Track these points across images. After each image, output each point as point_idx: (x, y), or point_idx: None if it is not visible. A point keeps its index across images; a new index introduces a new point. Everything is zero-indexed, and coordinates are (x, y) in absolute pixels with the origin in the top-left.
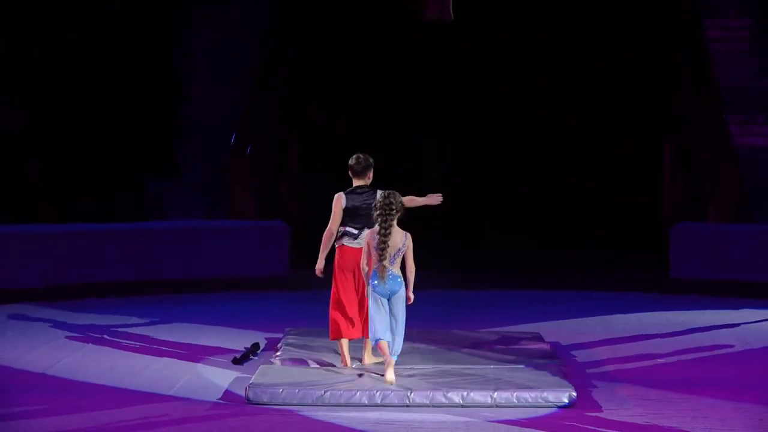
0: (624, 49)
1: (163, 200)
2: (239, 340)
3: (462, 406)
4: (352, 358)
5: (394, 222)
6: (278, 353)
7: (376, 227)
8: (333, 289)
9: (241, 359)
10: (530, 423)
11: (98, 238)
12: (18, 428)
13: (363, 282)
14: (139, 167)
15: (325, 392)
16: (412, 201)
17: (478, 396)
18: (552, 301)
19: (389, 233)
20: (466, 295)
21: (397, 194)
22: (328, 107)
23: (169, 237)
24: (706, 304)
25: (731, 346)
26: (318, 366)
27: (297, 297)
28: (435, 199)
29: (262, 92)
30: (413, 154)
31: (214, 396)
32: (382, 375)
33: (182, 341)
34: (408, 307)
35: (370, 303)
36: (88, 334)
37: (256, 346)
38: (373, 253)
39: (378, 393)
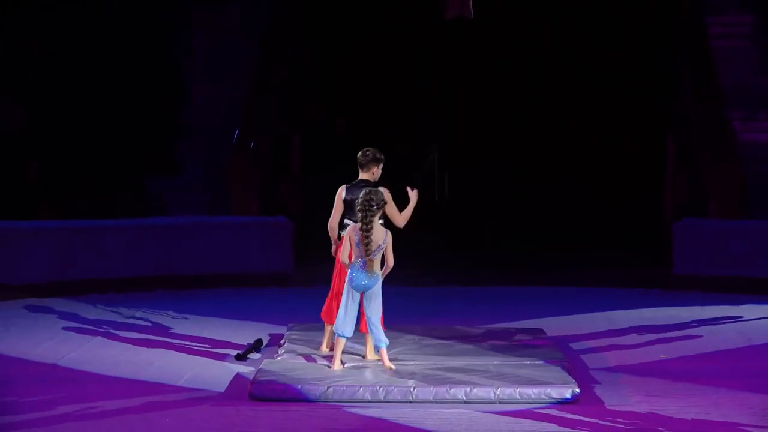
0: (625, 48)
1: (164, 199)
2: (242, 336)
3: (465, 402)
4: (357, 355)
5: (375, 219)
6: (281, 349)
7: (359, 223)
8: (333, 277)
9: (243, 355)
10: (534, 418)
11: (100, 233)
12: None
13: None
14: (139, 166)
15: (328, 388)
16: (405, 213)
17: (481, 392)
18: (555, 297)
19: (370, 229)
20: (469, 291)
21: (380, 192)
22: (329, 106)
23: (172, 233)
24: (709, 300)
25: (734, 342)
26: (321, 362)
27: (300, 293)
28: (413, 196)
29: (263, 91)
30: (415, 153)
31: (217, 391)
32: (387, 369)
33: (185, 337)
34: (410, 304)
35: (343, 296)
36: (92, 330)
37: (258, 342)
38: (355, 249)
39: (381, 389)
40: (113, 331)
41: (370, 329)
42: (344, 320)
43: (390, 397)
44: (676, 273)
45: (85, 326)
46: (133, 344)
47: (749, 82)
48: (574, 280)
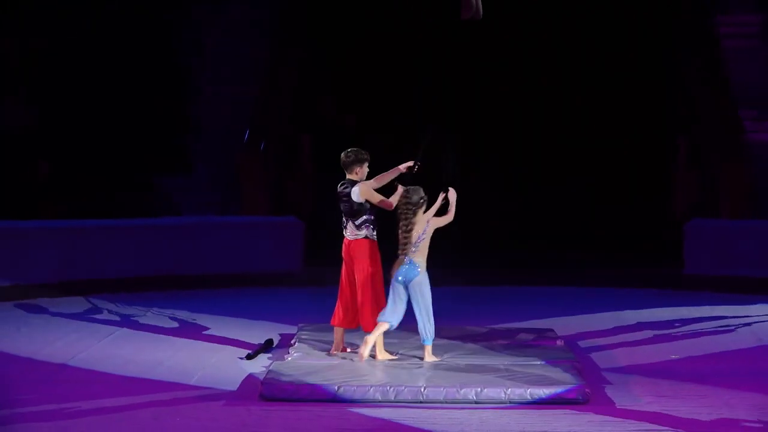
0: (637, 48)
1: (174, 199)
2: (252, 335)
3: (476, 402)
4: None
5: (415, 218)
6: (292, 349)
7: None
8: (342, 281)
9: (254, 355)
10: (544, 419)
11: (110, 233)
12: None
13: (355, 274)
14: (150, 166)
15: (338, 388)
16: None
17: (491, 392)
18: (565, 297)
19: (410, 230)
20: (480, 291)
21: (419, 189)
22: (339, 104)
23: (182, 233)
24: (719, 300)
25: (744, 342)
26: (331, 362)
27: (310, 293)
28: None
29: (273, 91)
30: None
31: (228, 392)
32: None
33: (196, 337)
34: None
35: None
36: (103, 329)
37: (269, 342)
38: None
39: (391, 389)
40: (124, 331)
41: (420, 321)
42: (392, 310)
43: (400, 398)
44: (687, 273)
45: (96, 326)
46: (144, 344)
47: (759, 82)
48: (584, 280)
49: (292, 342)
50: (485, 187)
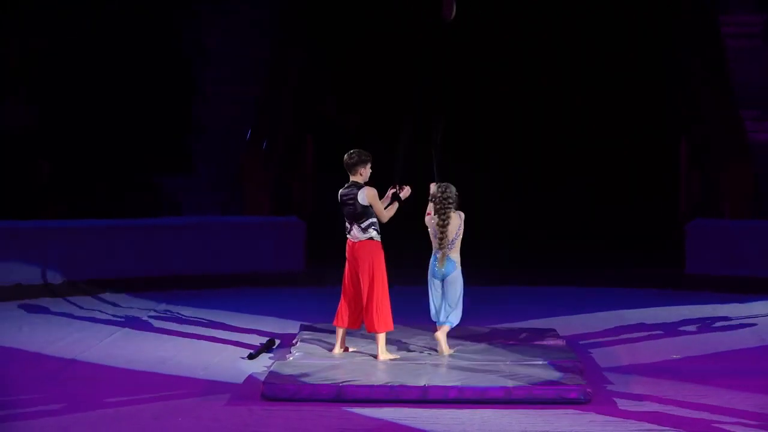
0: (638, 48)
1: (177, 199)
2: (254, 335)
3: (478, 402)
4: (370, 355)
5: (452, 212)
6: (293, 349)
7: (435, 217)
8: (344, 282)
9: (256, 355)
10: (546, 419)
11: (113, 233)
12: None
13: (359, 275)
14: (152, 166)
15: (340, 388)
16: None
17: (493, 392)
18: (567, 297)
19: (447, 225)
20: (480, 291)
21: (451, 186)
22: (340, 103)
23: (185, 232)
24: (721, 300)
25: (746, 342)
26: (333, 362)
27: (312, 293)
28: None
29: (275, 91)
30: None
31: (229, 392)
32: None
33: (198, 336)
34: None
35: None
36: (104, 330)
37: (271, 342)
38: (433, 240)
39: (393, 389)
40: (125, 331)
41: (444, 309)
42: (435, 310)
43: (402, 397)
44: (689, 273)
45: (97, 326)
46: (145, 344)
47: (761, 82)
48: (585, 279)
49: (294, 342)
50: (485, 187)
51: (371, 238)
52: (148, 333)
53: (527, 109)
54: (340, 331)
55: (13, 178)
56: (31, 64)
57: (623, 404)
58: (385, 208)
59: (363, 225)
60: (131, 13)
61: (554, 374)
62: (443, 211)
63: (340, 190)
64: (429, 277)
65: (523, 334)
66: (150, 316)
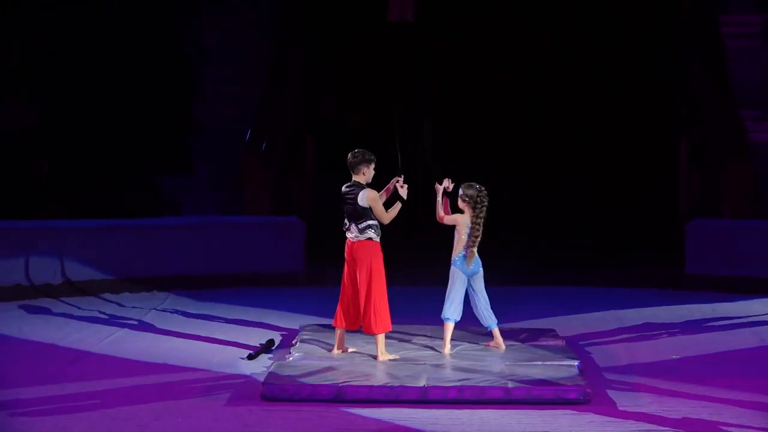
0: (638, 48)
1: (177, 199)
2: (254, 336)
3: (477, 402)
4: (369, 355)
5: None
6: (293, 349)
7: (467, 217)
8: (343, 282)
9: (255, 355)
10: (545, 419)
11: (113, 233)
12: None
13: (357, 276)
14: (152, 166)
15: (339, 389)
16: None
17: (493, 392)
18: (566, 297)
19: (482, 224)
20: None
21: (483, 188)
22: (340, 104)
23: (185, 232)
24: (721, 300)
25: (746, 342)
26: (333, 362)
27: (311, 293)
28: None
29: (275, 91)
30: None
31: (229, 392)
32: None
33: (197, 337)
34: (420, 304)
35: (451, 284)
36: (102, 331)
37: (270, 342)
38: (462, 239)
39: (393, 389)
40: (125, 331)
41: (481, 312)
42: (450, 306)
43: (402, 398)
44: (689, 273)
45: (98, 326)
46: (145, 344)
47: (761, 82)
48: (585, 279)
49: (294, 342)
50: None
51: (370, 239)
52: (148, 333)
53: (527, 109)
54: (339, 332)
55: (13, 178)
56: (31, 64)
57: (623, 404)
58: (387, 210)
59: (360, 226)
60: (131, 13)
61: (554, 374)
62: (480, 211)
63: (343, 187)
64: (458, 273)
65: (523, 335)
66: (150, 316)
